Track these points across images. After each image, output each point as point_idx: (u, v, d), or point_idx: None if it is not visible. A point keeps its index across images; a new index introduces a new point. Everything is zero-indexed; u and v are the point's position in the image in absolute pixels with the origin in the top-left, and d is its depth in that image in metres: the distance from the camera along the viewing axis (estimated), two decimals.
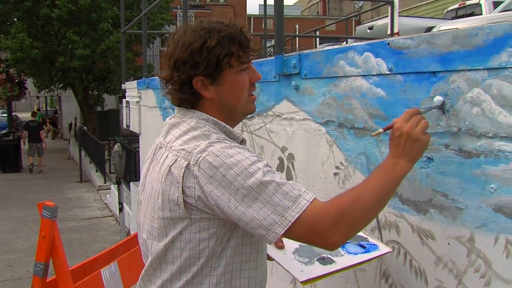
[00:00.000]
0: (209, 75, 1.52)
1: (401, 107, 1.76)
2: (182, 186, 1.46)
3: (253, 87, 1.64)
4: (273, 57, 2.54)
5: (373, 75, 1.89)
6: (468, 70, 1.49)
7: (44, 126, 26.87)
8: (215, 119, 1.57)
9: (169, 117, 1.66)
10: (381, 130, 1.57)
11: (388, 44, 1.79)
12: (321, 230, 1.40)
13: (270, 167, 1.48)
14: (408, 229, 1.77)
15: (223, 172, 1.41)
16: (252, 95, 1.65)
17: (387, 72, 1.81)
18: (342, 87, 2.07)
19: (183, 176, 1.45)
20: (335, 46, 2.16)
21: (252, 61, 1.60)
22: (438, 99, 1.58)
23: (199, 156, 1.44)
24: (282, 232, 1.39)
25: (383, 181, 1.45)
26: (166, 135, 1.61)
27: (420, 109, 1.55)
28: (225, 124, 1.58)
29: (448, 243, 1.60)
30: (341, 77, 2.07)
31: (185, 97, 1.58)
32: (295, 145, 2.49)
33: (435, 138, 1.62)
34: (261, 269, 1.63)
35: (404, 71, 1.74)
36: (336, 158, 2.16)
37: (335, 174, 2.18)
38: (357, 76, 1.98)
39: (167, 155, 1.54)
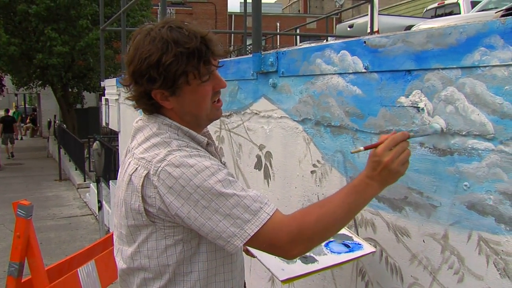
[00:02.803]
0: (167, 89, 1.48)
1: (377, 105, 1.76)
2: (142, 195, 1.44)
3: (218, 94, 1.59)
4: (251, 55, 2.53)
5: (349, 73, 1.89)
6: (442, 69, 1.50)
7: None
8: (177, 124, 1.54)
9: (136, 119, 1.64)
10: (362, 148, 1.51)
11: (364, 42, 1.80)
12: (281, 243, 1.40)
13: (232, 176, 1.46)
14: (384, 226, 1.78)
15: (182, 183, 1.38)
16: (218, 100, 1.60)
17: (363, 70, 1.82)
18: (319, 85, 2.08)
19: (142, 185, 1.44)
20: (312, 44, 2.16)
21: (217, 68, 1.54)
22: (435, 127, 1.53)
23: (158, 166, 1.41)
24: (241, 244, 1.39)
25: (352, 202, 1.44)
26: (132, 140, 1.58)
27: (410, 134, 1.50)
28: (188, 129, 1.55)
29: (423, 240, 1.61)
30: (318, 75, 2.08)
31: (146, 107, 1.55)
32: (273, 143, 2.49)
33: None
34: (236, 270, 1.62)
35: (380, 69, 1.74)
36: (313, 156, 2.17)
37: (312, 172, 2.18)
38: (334, 74, 1.98)
39: (129, 162, 1.52)
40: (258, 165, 2.66)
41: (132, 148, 1.54)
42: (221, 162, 1.63)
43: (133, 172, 1.47)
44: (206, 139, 1.60)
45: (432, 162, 1.56)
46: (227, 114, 2.96)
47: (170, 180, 1.39)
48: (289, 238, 1.39)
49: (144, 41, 1.46)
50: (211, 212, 1.38)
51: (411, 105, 1.62)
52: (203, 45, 1.46)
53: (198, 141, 1.56)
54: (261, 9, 2.67)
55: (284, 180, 2.41)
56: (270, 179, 2.54)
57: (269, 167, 2.54)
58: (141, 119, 1.61)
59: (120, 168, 1.64)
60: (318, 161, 2.14)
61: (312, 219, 1.41)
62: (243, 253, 1.79)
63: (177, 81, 1.45)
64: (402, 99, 1.65)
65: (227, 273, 1.57)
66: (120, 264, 1.60)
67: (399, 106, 1.66)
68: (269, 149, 2.54)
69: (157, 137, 1.50)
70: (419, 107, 1.59)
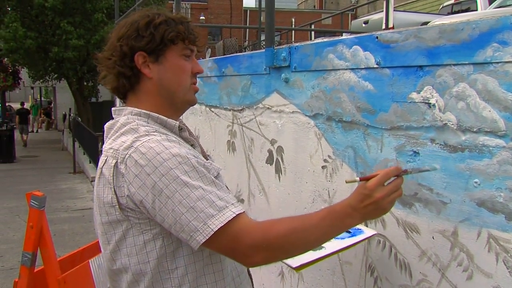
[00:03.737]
0: (152, 52, 1.50)
1: (388, 101, 1.76)
2: (113, 186, 1.40)
3: (195, 78, 1.62)
4: (263, 50, 2.54)
5: (361, 69, 1.89)
6: (454, 65, 1.49)
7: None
8: (147, 112, 1.51)
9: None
10: (357, 179, 1.47)
11: (377, 37, 1.79)
12: (242, 247, 1.34)
13: (204, 166, 1.42)
14: (394, 222, 1.78)
15: (148, 171, 1.34)
16: (195, 83, 1.62)
17: (375, 66, 1.81)
18: (331, 80, 2.07)
19: (113, 176, 1.40)
20: (325, 39, 2.16)
21: (195, 53, 1.61)
22: (434, 167, 1.53)
23: (125, 153, 1.38)
24: (203, 240, 1.31)
25: (328, 226, 1.38)
26: (106, 140, 1.54)
27: (408, 170, 1.47)
28: (158, 115, 1.52)
29: (433, 237, 1.61)
30: (330, 70, 2.07)
31: (124, 71, 1.52)
32: (284, 138, 2.50)
33: (421, 132, 1.63)
34: (228, 259, 1.52)
35: (392, 65, 1.74)
36: (324, 151, 2.17)
37: (323, 167, 2.18)
38: (346, 69, 1.98)
39: (101, 158, 1.49)
40: (269, 160, 2.67)
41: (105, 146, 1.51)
42: (198, 145, 1.63)
43: (103, 165, 1.44)
44: (178, 123, 1.56)
45: (442, 158, 1.55)
46: (240, 108, 2.97)
47: (136, 168, 1.35)
48: (252, 243, 1.33)
49: (135, 14, 1.56)
50: (174, 203, 1.32)
51: (422, 101, 1.61)
52: (189, 25, 1.57)
53: (170, 126, 1.53)
54: (274, 4, 2.67)
55: (295, 175, 2.41)
56: (281, 173, 2.54)
57: (281, 162, 2.55)
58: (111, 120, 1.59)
59: None
60: (329, 156, 2.14)
61: (282, 229, 1.35)
62: None
63: (164, 41, 1.50)
64: (414, 95, 1.64)
65: (217, 264, 1.49)
66: (106, 269, 1.55)
67: (410, 102, 1.66)
68: (281, 143, 2.54)
69: (125, 127, 1.47)
70: (430, 103, 1.58)
